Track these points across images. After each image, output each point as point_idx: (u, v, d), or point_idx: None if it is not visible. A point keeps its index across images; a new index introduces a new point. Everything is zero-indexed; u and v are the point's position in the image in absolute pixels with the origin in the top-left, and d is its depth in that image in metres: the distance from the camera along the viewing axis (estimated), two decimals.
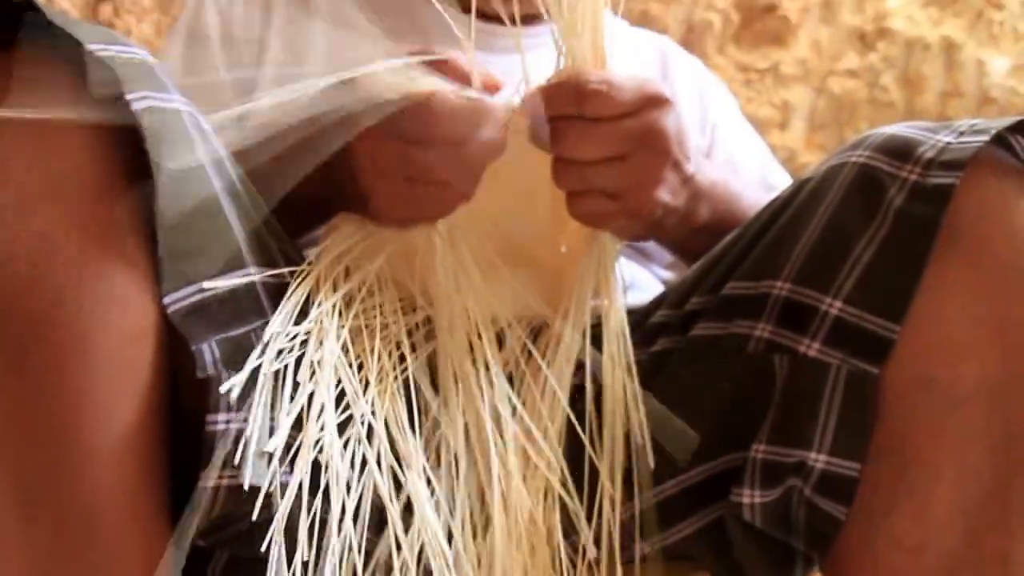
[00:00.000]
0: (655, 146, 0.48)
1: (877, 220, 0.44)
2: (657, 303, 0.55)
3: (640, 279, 0.63)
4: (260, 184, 0.48)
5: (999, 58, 1.25)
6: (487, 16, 0.55)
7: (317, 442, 0.40)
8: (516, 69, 0.51)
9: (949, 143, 0.44)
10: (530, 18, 0.51)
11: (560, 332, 0.51)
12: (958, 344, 0.43)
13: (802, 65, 1.30)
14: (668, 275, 0.67)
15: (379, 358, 0.45)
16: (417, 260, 0.50)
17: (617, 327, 0.50)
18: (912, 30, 1.27)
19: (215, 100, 0.63)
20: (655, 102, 0.48)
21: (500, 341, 0.51)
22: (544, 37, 0.52)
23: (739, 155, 0.72)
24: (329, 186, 0.48)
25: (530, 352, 0.51)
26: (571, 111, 0.47)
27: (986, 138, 0.43)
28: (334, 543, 0.38)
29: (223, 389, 0.38)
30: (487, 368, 0.48)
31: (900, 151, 0.45)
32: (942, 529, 0.42)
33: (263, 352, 0.40)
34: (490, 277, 0.52)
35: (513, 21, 0.49)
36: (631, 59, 0.72)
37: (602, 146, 0.47)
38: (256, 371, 0.41)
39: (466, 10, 0.50)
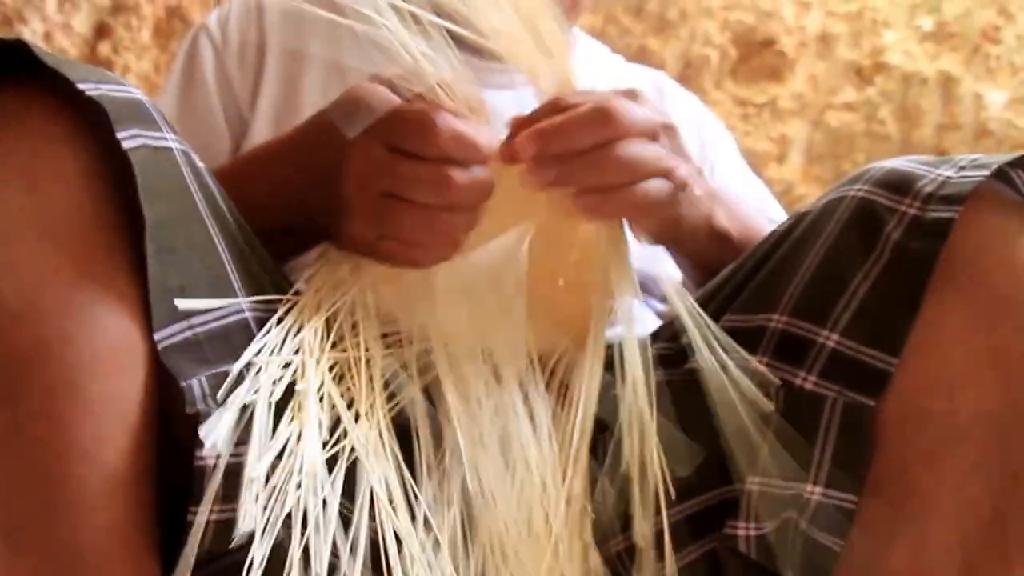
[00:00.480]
0: (671, 176, 0.50)
1: (875, 254, 0.44)
2: (655, 336, 0.55)
3: (637, 312, 0.63)
4: (254, 205, 0.48)
5: (996, 92, 1.26)
6: (478, 52, 0.55)
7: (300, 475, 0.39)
8: (512, 104, 0.51)
9: (949, 177, 0.44)
10: None
11: (581, 362, 0.50)
12: (955, 377, 0.42)
13: (799, 99, 1.31)
14: (664, 308, 0.66)
15: (371, 390, 0.44)
16: (410, 293, 0.50)
17: (638, 350, 0.49)
18: (909, 64, 1.29)
19: (212, 143, 0.65)
20: (668, 129, 0.51)
21: (497, 376, 0.51)
22: None
23: (738, 192, 0.72)
24: (316, 194, 0.48)
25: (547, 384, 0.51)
26: (597, 140, 0.47)
27: (987, 172, 0.43)
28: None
29: (202, 433, 0.38)
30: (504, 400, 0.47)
31: (899, 185, 0.45)
32: (940, 562, 0.42)
33: (245, 384, 0.40)
34: (497, 311, 0.51)
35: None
36: None
37: (627, 174, 0.48)
38: (246, 405, 0.40)
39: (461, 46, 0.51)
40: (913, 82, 1.28)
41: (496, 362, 0.50)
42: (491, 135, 0.47)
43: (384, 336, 0.50)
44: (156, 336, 0.38)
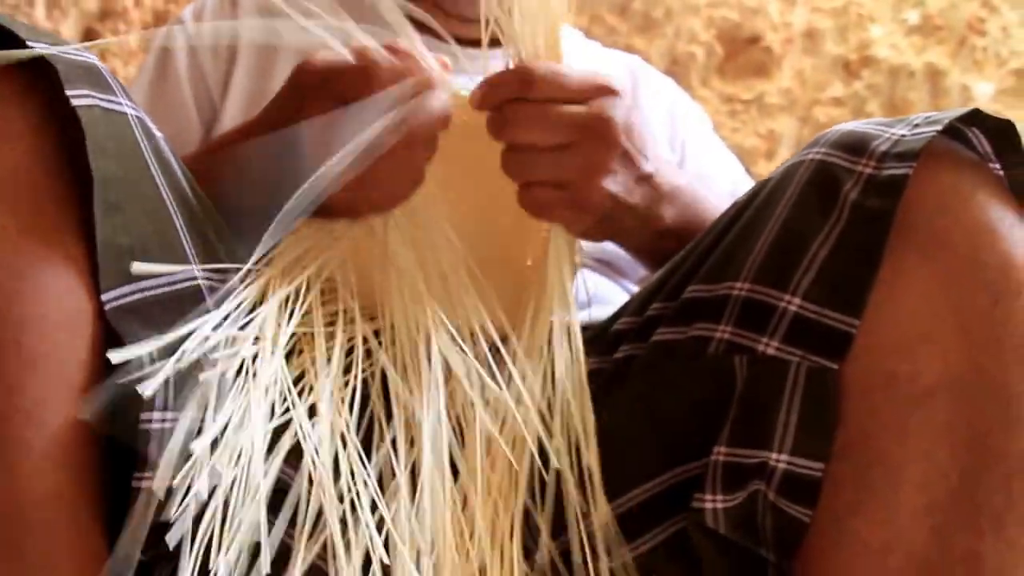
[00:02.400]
0: (602, 135, 0.48)
1: (834, 215, 0.44)
2: (620, 312, 0.54)
3: (608, 293, 0.62)
4: (224, 188, 0.48)
5: (983, 83, 1.25)
6: (462, 40, 0.55)
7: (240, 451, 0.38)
8: None
9: (903, 135, 0.44)
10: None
11: (520, 346, 0.50)
12: (918, 337, 0.42)
13: (787, 95, 1.31)
14: (636, 290, 0.66)
15: (326, 364, 0.44)
16: (373, 264, 0.50)
17: (569, 341, 0.49)
18: (896, 58, 1.28)
19: (183, 133, 0.65)
20: (603, 91, 0.48)
21: (459, 352, 0.50)
22: None
23: (710, 170, 0.71)
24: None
25: (491, 365, 0.50)
26: (515, 94, 0.47)
27: (939, 128, 0.43)
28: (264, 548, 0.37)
29: (142, 389, 0.37)
30: (442, 378, 0.47)
31: (855, 146, 0.45)
32: (909, 529, 0.41)
33: (191, 349, 0.39)
34: (454, 285, 0.51)
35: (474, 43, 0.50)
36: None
37: (547, 131, 0.47)
38: (199, 373, 0.40)
39: (434, 34, 0.51)
40: (900, 75, 1.28)
41: (453, 334, 0.50)
42: (431, 60, 0.48)
43: (344, 311, 0.50)
44: (104, 297, 0.38)
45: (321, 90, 0.47)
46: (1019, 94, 1.25)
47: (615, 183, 0.49)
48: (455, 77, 0.51)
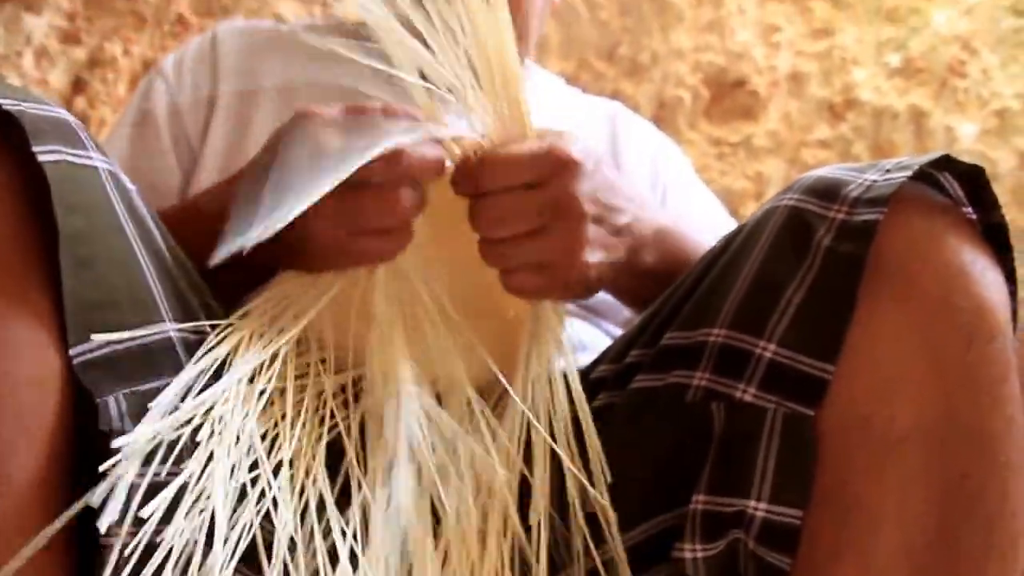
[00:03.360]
0: (569, 212, 0.47)
1: (807, 261, 0.44)
2: (599, 359, 0.54)
3: (591, 339, 0.62)
4: (205, 241, 0.48)
5: (967, 124, 1.27)
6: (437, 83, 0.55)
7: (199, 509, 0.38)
8: (468, 133, 0.51)
9: (875, 181, 0.44)
10: None
11: (506, 398, 0.49)
12: (892, 382, 0.41)
13: (774, 137, 1.32)
14: (619, 333, 0.65)
15: (300, 419, 0.43)
16: (353, 314, 0.49)
17: (563, 391, 0.49)
18: (880, 100, 1.30)
19: (162, 180, 0.65)
20: (560, 167, 0.47)
21: (441, 406, 0.50)
22: None
23: (692, 214, 0.72)
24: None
25: (474, 415, 0.49)
26: (473, 191, 0.47)
27: (909, 173, 0.43)
28: None
29: (115, 443, 0.37)
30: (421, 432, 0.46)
31: (827, 192, 0.45)
32: (889, 574, 0.40)
33: (164, 407, 0.39)
34: (438, 338, 0.51)
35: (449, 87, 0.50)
36: (580, 124, 0.73)
37: (513, 223, 0.47)
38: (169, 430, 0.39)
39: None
40: (885, 117, 1.30)
41: (437, 390, 0.49)
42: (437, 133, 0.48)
43: (322, 361, 0.49)
44: (72, 352, 0.37)
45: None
46: (1002, 134, 1.26)
47: (594, 253, 0.49)
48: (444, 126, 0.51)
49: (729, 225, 0.75)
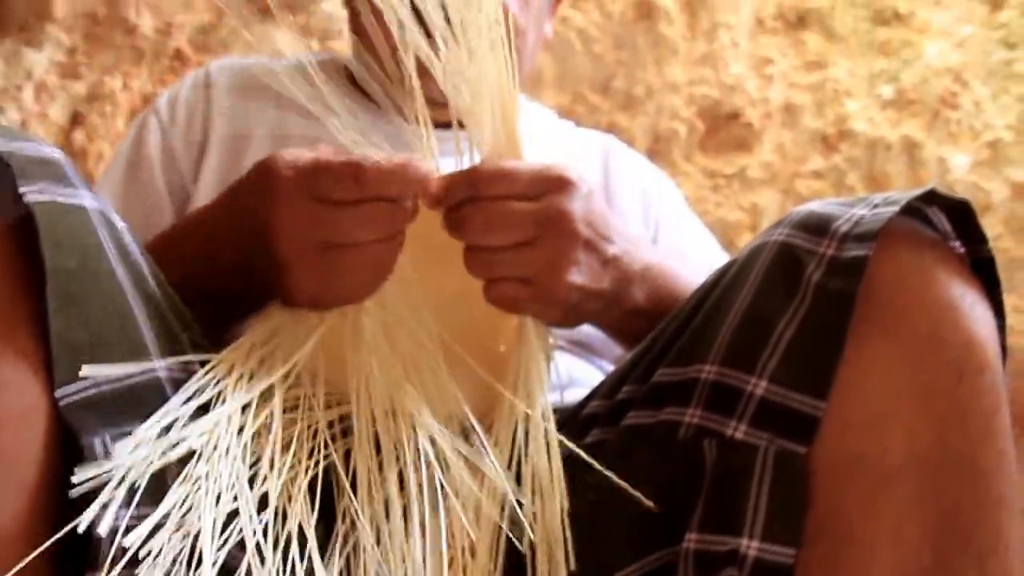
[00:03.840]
0: (560, 229, 0.48)
1: (797, 297, 0.44)
2: (591, 395, 0.53)
3: (583, 375, 0.62)
4: (191, 271, 0.48)
5: (959, 155, 1.27)
6: (433, 123, 0.56)
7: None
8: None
9: (863, 216, 0.44)
10: None
11: (494, 433, 0.49)
12: (883, 417, 0.41)
13: (768, 169, 1.33)
14: (612, 368, 0.65)
15: (284, 457, 0.43)
16: (343, 350, 0.49)
17: (543, 428, 0.48)
18: (873, 131, 1.31)
19: (155, 218, 0.65)
20: (556, 184, 0.48)
21: (432, 441, 0.49)
22: None
23: (685, 247, 0.72)
24: (251, 262, 0.48)
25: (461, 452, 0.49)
26: (466, 196, 0.47)
27: (896, 209, 0.43)
28: None
29: (91, 470, 0.36)
30: (408, 469, 0.46)
31: (817, 227, 0.45)
32: None
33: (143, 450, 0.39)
34: (427, 372, 0.50)
35: (444, 125, 0.51)
36: (573, 156, 0.73)
37: (504, 231, 0.47)
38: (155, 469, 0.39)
39: (402, 115, 0.52)
40: (878, 148, 1.30)
41: (423, 424, 0.49)
42: (416, 164, 0.48)
43: (311, 397, 0.49)
44: (58, 392, 0.37)
45: (300, 186, 0.47)
46: (995, 165, 1.27)
47: (580, 274, 0.49)
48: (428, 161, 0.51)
49: (722, 257, 0.75)
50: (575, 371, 0.62)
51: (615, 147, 0.78)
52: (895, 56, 1.33)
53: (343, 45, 1.14)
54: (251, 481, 0.41)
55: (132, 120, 1.16)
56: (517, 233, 0.47)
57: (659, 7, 1.32)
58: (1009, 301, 1.28)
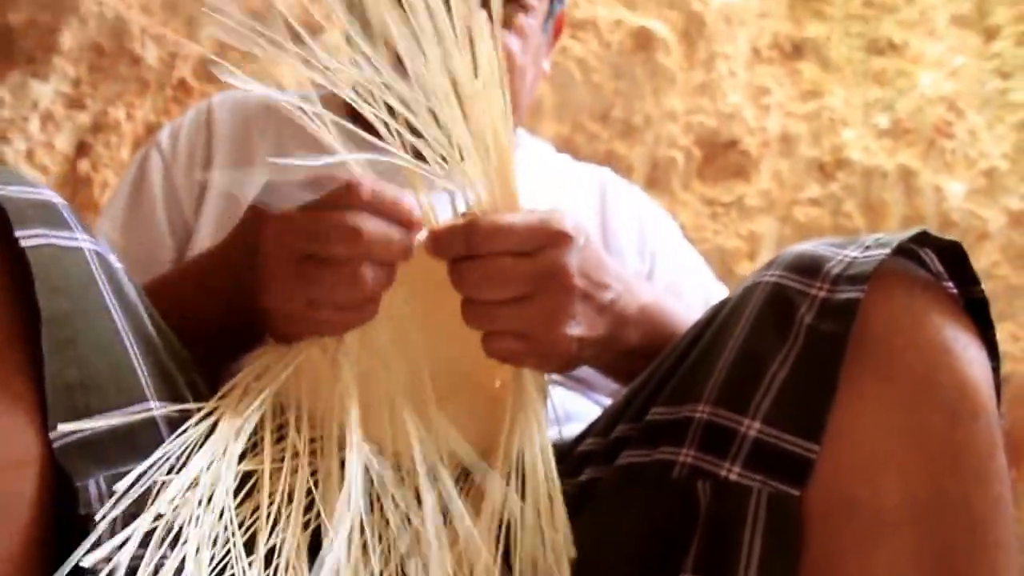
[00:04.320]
0: (558, 284, 0.48)
1: (790, 339, 0.44)
2: (586, 432, 0.54)
3: (579, 410, 0.62)
4: (192, 311, 0.48)
5: (955, 183, 1.28)
6: (425, 159, 0.56)
7: None
8: (451, 208, 0.52)
9: (855, 258, 0.45)
10: None
11: (487, 474, 0.49)
12: (877, 460, 0.41)
13: (766, 196, 1.34)
14: (609, 403, 0.66)
15: (278, 504, 0.43)
16: (324, 395, 0.49)
17: (541, 468, 0.49)
18: (869, 160, 1.32)
19: (156, 252, 0.66)
20: (554, 239, 0.48)
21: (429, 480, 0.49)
22: None
23: (681, 280, 0.72)
24: (238, 287, 0.48)
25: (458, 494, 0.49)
26: (462, 252, 0.48)
27: (888, 251, 0.44)
28: None
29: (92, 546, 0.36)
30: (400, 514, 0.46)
31: (809, 268, 0.45)
32: None
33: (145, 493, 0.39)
34: (421, 413, 0.50)
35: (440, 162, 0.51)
36: (570, 192, 0.74)
37: (499, 287, 0.47)
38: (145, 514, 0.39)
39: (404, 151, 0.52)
40: (874, 176, 1.31)
41: (412, 467, 0.49)
42: (412, 203, 0.48)
43: (311, 441, 0.49)
44: (52, 434, 0.38)
45: (293, 233, 0.47)
46: (991, 193, 1.28)
47: (577, 327, 0.49)
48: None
49: (717, 289, 0.75)
50: (571, 405, 0.62)
51: (612, 181, 0.79)
52: (890, 85, 1.34)
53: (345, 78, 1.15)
54: (248, 543, 0.41)
55: (136, 149, 1.17)
56: (514, 289, 0.47)
57: (657, 38, 1.34)
58: (1008, 328, 1.28)
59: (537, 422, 0.50)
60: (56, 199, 0.42)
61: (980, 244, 1.25)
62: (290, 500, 0.44)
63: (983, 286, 0.46)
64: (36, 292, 0.38)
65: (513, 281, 0.47)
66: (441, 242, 0.48)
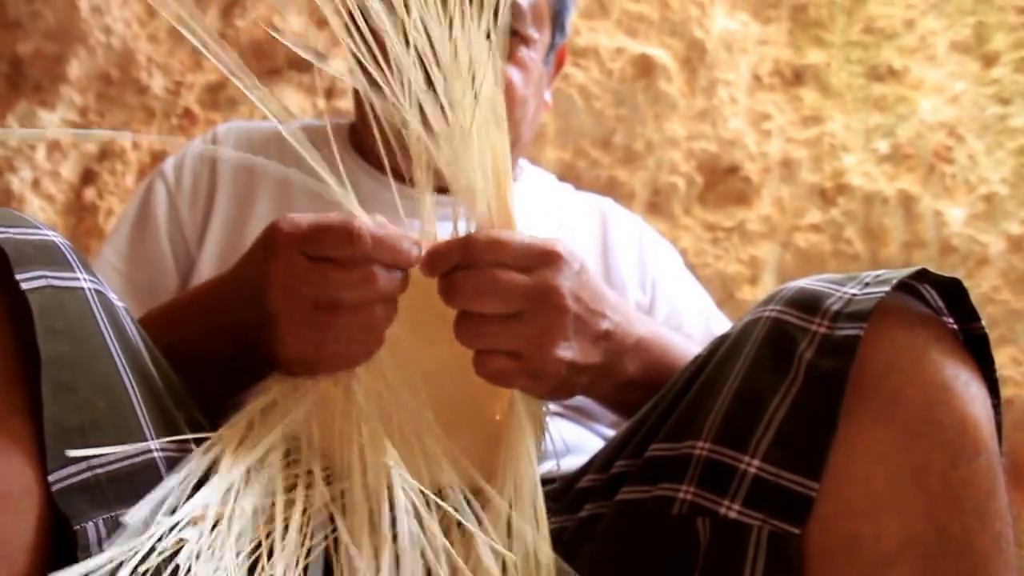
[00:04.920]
0: (549, 303, 0.48)
1: (790, 375, 0.44)
2: (585, 468, 0.54)
3: (580, 441, 0.62)
4: (195, 342, 0.49)
5: (955, 208, 1.29)
6: (433, 188, 0.57)
7: None
8: (451, 236, 0.52)
9: (855, 295, 0.45)
10: None
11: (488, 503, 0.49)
12: (878, 499, 0.41)
13: (767, 222, 1.34)
14: (612, 432, 0.66)
15: (284, 537, 0.43)
16: (337, 421, 0.50)
17: (531, 499, 0.49)
18: (870, 185, 1.32)
19: (159, 283, 0.67)
20: (547, 259, 0.48)
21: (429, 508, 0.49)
22: None
23: (682, 309, 0.73)
24: (249, 330, 0.49)
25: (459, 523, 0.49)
26: (459, 263, 0.48)
27: (887, 288, 0.44)
28: None
29: (84, 565, 0.36)
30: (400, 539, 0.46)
31: (809, 304, 0.46)
32: None
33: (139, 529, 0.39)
34: (423, 442, 0.51)
35: (444, 190, 0.52)
36: (572, 222, 0.74)
37: (492, 299, 0.48)
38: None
39: (401, 180, 0.53)
40: (875, 202, 1.32)
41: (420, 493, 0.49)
42: (412, 240, 0.49)
43: (311, 472, 0.49)
44: (51, 477, 0.38)
45: (295, 244, 0.48)
46: (991, 219, 1.28)
47: (569, 349, 0.49)
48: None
49: (718, 319, 0.76)
50: (570, 437, 0.62)
51: (612, 211, 0.79)
52: (890, 111, 1.35)
53: (349, 103, 1.17)
54: (251, 569, 0.42)
55: (142, 176, 1.18)
56: (506, 303, 0.48)
57: (658, 65, 1.35)
58: (1009, 353, 1.28)
59: (528, 456, 0.50)
60: (58, 239, 0.42)
61: (980, 269, 1.25)
62: (305, 527, 0.44)
63: (983, 311, 0.46)
64: (37, 334, 0.39)
65: (506, 294, 0.47)
66: (438, 256, 0.49)
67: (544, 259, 0.48)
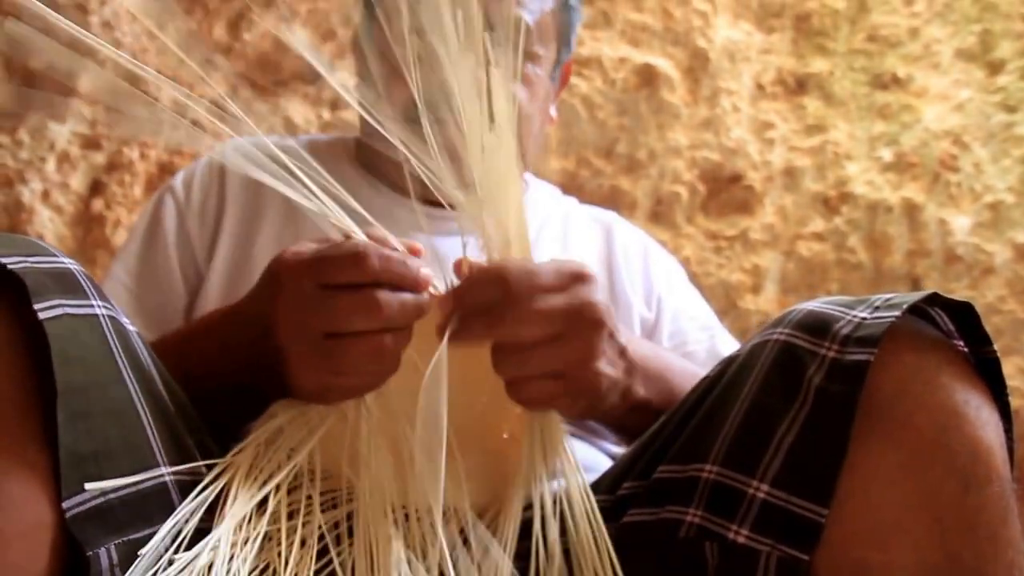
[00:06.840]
0: (589, 318, 0.49)
1: (799, 400, 0.45)
2: (593, 488, 0.54)
3: (587, 458, 0.63)
4: (205, 369, 0.49)
5: (960, 217, 1.29)
6: (431, 202, 0.58)
7: None
8: (460, 251, 0.53)
9: (864, 319, 0.45)
10: None
11: (502, 519, 0.50)
12: (888, 525, 0.42)
13: (769, 231, 1.34)
14: (619, 450, 0.66)
15: (295, 560, 0.43)
16: (346, 448, 0.50)
17: (583, 507, 0.49)
18: (873, 194, 1.32)
19: (168, 299, 0.67)
20: (579, 278, 0.49)
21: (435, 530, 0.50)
22: None
23: (687, 327, 0.73)
24: (260, 363, 0.49)
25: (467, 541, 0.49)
26: (495, 297, 0.48)
27: (898, 313, 0.44)
28: None
29: None
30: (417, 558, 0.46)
31: (818, 328, 0.46)
32: None
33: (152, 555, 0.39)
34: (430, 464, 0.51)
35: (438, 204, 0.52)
36: (577, 235, 0.75)
37: (537, 325, 0.48)
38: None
39: (407, 195, 0.53)
40: (879, 210, 1.32)
41: (428, 519, 0.49)
42: (418, 262, 0.49)
43: (321, 494, 0.49)
44: (65, 504, 0.38)
45: (301, 275, 0.48)
46: (996, 227, 1.28)
47: (607, 364, 0.50)
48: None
49: (723, 336, 0.76)
50: (579, 454, 0.62)
51: (617, 224, 0.79)
52: (894, 120, 1.35)
53: (354, 115, 1.17)
54: None
55: (150, 188, 1.19)
56: (551, 327, 0.48)
57: (661, 74, 1.35)
58: (1015, 363, 1.28)
59: (556, 464, 0.50)
60: (74, 266, 0.43)
61: (986, 278, 1.25)
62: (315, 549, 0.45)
63: (988, 321, 0.46)
64: (53, 364, 0.39)
65: (549, 319, 0.48)
66: (472, 291, 0.49)
67: (577, 278, 0.49)
